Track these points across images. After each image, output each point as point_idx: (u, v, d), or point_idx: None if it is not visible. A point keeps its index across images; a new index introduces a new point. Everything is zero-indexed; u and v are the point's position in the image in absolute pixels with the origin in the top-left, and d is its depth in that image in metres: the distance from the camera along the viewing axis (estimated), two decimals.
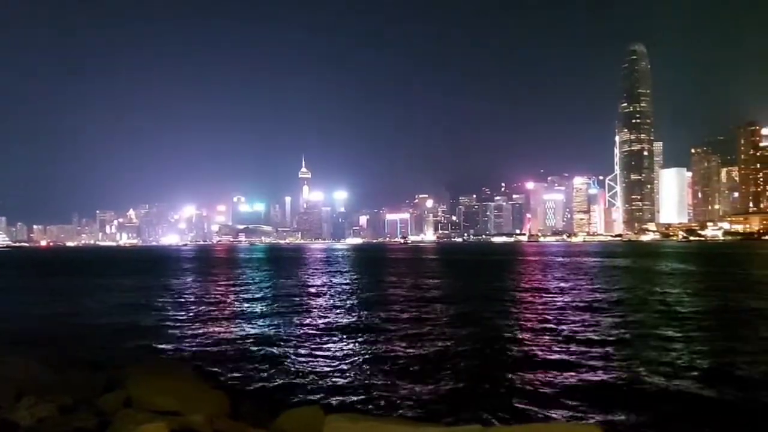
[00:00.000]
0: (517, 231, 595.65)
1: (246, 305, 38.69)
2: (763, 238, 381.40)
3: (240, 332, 27.24)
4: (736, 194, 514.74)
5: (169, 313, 34.96)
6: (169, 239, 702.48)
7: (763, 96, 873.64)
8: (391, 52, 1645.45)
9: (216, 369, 19.25)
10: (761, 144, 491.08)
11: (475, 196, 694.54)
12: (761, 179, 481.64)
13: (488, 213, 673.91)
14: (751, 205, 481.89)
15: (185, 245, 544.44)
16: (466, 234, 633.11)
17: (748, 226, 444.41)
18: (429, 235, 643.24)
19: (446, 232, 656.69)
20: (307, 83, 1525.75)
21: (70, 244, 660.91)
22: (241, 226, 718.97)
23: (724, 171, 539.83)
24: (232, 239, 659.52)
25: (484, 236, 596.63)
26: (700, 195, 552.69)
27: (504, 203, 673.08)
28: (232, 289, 52.50)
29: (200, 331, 27.88)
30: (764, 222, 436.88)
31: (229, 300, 42.77)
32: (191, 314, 34.19)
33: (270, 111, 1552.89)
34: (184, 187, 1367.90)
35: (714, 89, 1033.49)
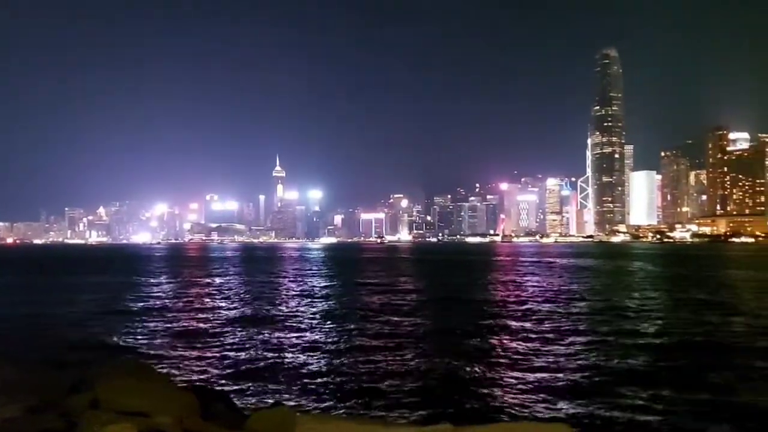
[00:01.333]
0: (491, 231, 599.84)
1: (216, 306, 38.35)
2: (729, 240, 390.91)
3: (210, 333, 27.00)
4: (704, 197, 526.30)
5: (137, 313, 34.52)
6: (140, 237, 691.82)
7: (732, 101, 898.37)
8: (368, 52, 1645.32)
9: (185, 369, 19.10)
10: (729, 148, 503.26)
11: (449, 196, 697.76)
12: (728, 183, 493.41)
13: (463, 213, 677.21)
14: (718, 207, 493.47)
15: (158, 243, 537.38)
16: (440, 234, 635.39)
17: (715, 228, 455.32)
18: (404, 235, 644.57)
19: (421, 232, 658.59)
20: (282, 81, 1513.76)
21: (37, 241, 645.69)
22: (214, 225, 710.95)
23: (692, 174, 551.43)
24: (204, 238, 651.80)
25: (458, 236, 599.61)
26: (669, 197, 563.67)
27: (478, 204, 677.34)
28: (203, 289, 52.02)
29: (169, 331, 27.59)
30: (731, 225, 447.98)
31: (199, 300, 42.35)
32: (160, 314, 33.79)
33: (244, 109, 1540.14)
34: (155, 184, 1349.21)
35: (683, 94, 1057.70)
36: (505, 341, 24.21)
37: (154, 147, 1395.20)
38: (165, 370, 18.23)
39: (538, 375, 18.14)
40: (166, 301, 41.76)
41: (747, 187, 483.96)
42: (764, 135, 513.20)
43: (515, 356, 21.00)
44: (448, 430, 4.70)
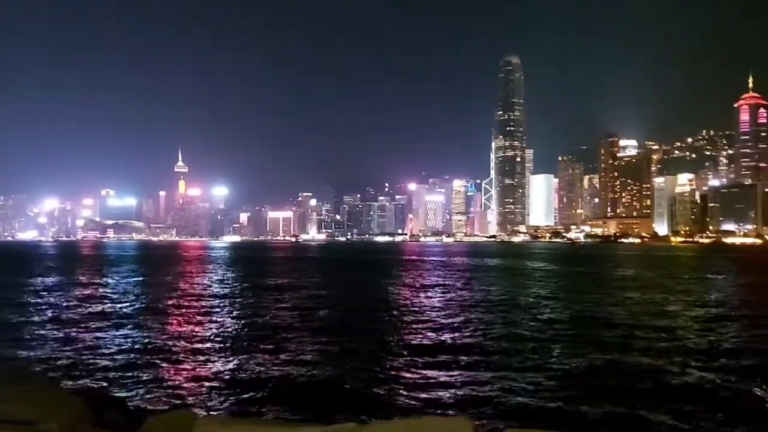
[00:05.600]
0: (400, 231, 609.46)
1: (108, 307, 36.27)
2: (618, 240, 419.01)
3: (102, 335, 25.48)
4: (597, 200, 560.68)
5: (20, 314, 32.03)
6: (27, 234, 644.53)
7: (623, 110, 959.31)
8: (273, 47, 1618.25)
9: (75, 374, 17.90)
10: (619, 154, 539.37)
11: (359, 195, 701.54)
12: (618, 187, 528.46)
13: (372, 213, 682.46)
14: (609, 210, 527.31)
15: (55, 240, 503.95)
16: (349, 233, 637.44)
17: (606, 229, 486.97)
18: (313, 233, 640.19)
19: (330, 230, 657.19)
20: (184, 72, 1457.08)
21: None
22: (110, 222, 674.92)
23: (586, 178, 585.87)
24: (99, 235, 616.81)
25: (367, 235, 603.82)
26: (565, 200, 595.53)
27: (387, 203, 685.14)
28: (94, 290, 49.19)
29: (56, 334, 25.80)
30: (620, 226, 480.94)
31: (88, 301, 39.97)
32: (46, 316, 31.61)
33: (144, 100, 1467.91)
34: (45, 177, 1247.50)
35: (580, 103, 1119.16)
36: (407, 339, 24.51)
37: (44, 137, 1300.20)
38: (51, 375, 17.01)
39: (440, 370, 18.47)
40: (53, 301, 39.08)
41: (635, 191, 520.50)
42: (651, 142, 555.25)
43: (417, 353, 21.30)
44: (352, 428, 4.72)
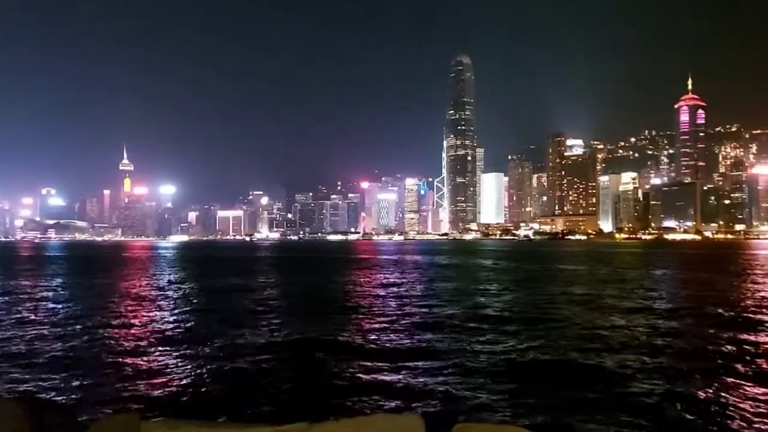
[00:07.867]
0: (352, 229, 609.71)
1: (49, 307, 34.82)
2: (566, 237, 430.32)
3: (41, 340, 24.33)
4: (545, 198, 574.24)
5: None
6: None
7: (569, 110, 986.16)
8: (222, 46, 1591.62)
9: (13, 377, 17.01)
10: (566, 153, 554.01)
11: (311, 194, 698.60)
12: (565, 185, 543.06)
13: (324, 211, 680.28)
14: (556, 208, 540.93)
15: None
16: (302, 232, 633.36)
17: (554, 226, 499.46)
18: (269, 233, 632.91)
19: (282, 229, 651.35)
20: (128, 67, 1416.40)
21: None
22: (51, 221, 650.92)
23: (535, 177, 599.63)
24: (39, 236, 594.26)
25: (320, 234, 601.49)
26: (514, 198, 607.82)
27: (340, 202, 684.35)
28: (32, 292, 47.15)
29: None
30: (567, 223, 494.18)
31: (27, 301, 38.23)
32: None
33: (88, 95, 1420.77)
34: None
35: (528, 102, 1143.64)
36: (357, 340, 24.35)
37: None
38: None
39: (392, 368, 18.37)
40: None
41: (581, 190, 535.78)
42: (596, 142, 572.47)
43: (368, 355, 21.17)
44: (304, 428, 4.82)
